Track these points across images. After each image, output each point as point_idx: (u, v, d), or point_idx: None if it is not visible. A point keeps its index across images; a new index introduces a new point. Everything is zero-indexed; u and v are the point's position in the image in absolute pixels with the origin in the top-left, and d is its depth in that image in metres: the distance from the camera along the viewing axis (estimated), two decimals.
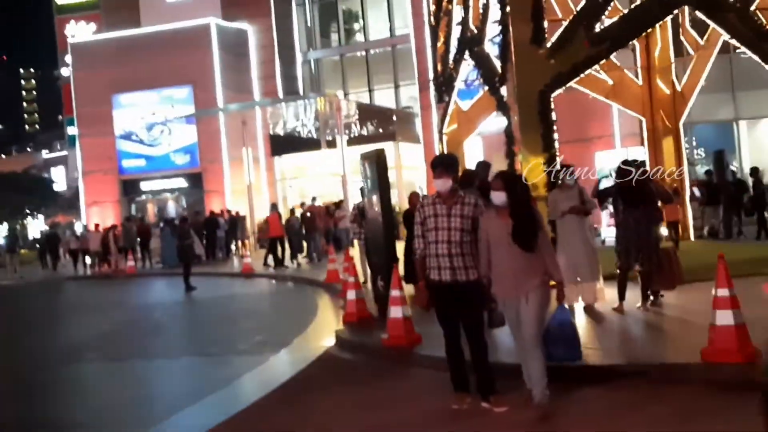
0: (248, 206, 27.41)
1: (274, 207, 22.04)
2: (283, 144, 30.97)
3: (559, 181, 9.29)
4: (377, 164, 9.98)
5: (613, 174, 9.11)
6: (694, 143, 24.05)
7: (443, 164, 5.60)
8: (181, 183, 32.88)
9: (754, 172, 17.08)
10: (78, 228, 32.51)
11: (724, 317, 5.83)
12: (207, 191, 31.93)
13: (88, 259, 27.15)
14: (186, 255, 17.35)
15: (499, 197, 5.35)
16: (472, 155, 21.03)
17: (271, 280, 18.31)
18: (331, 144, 27.05)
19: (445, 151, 16.77)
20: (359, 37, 35.37)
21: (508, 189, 5.33)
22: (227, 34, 32.61)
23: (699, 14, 11.14)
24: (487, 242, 5.40)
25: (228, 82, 32.07)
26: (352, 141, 27.29)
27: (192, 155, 32.23)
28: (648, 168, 12.92)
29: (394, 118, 30.21)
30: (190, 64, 31.36)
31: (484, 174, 9.14)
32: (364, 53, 34.32)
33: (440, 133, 17.04)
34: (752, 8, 10.62)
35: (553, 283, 5.48)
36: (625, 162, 8.87)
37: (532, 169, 10.94)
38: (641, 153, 16.72)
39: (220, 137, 31.41)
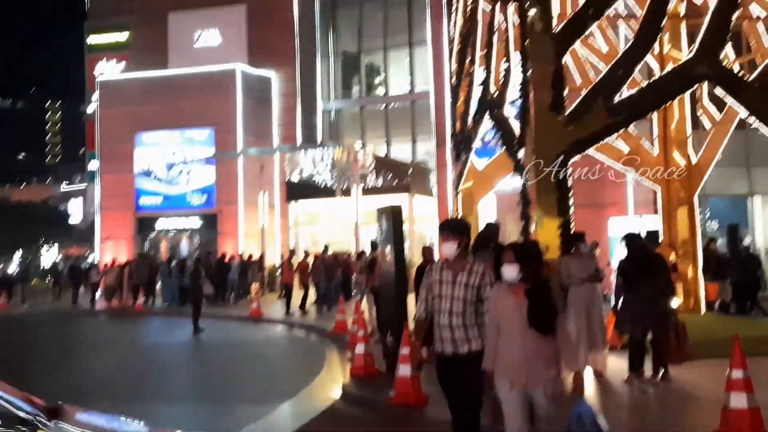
0: (260, 250, 27.58)
1: (326, 248, 22.64)
2: (299, 190, 31.25)
3: (572, 250, 9.34)
4: (393, 219, 10.14)
5: (624, 243, 9.19)
6: (708, 215, 24.08)
7: (451, 228, 5.32)
8: (196, 223, 33.14)
9: None
10: (91, 260, 32.71)
11: (738, 400, 5.75)
12: (221, 233, 32.14)
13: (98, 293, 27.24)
14: (197, 296, 17.43)
15: (510, 272, 4.80)
16: (486, 213, 21.21)
17: (278, 326, 18.30)
18: (346, 193, 27.30)
19: (460, 209, 16.92)
20: (380, 90, 35.99)
21: (521, 262, 4.79)
22: (251, 80, 33.28)
23: (718, 90, 11.33)
24: (497, 323, 4.82)
25: (249, 126, 32.60)
26: (367, 191, 27.52)
27: (209, 196, 32.57)
28: (660, 237, 12.96)
29: (410, 171, 30.49)
30: (213, 107, 31.96)
31: (495, 236, 9.25)
32: (383, 106, 34.86)
33: (456, 190, 17.20)
34: None
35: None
36: (634, 234, 8.98)
37: (546, 233, 11.04)
38: (655, 222, 16.78)
39: (237, 180, 31.77)
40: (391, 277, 9.94)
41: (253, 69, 33.53)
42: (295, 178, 30.62)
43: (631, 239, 8.88)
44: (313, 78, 34.85)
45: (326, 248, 23.76)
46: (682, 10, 15.14)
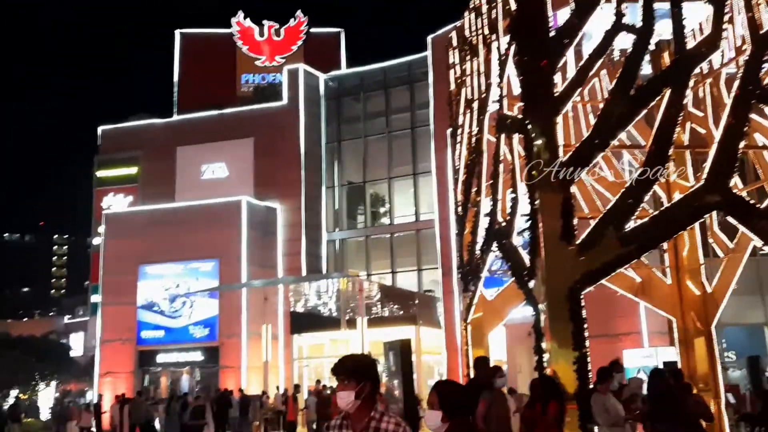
0: (262, 384, 26.67)
1: (318, 382, 21.33)
2: (303, 322, 30.73)
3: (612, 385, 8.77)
4: (402, 353, 9.71)
5: (645, 384, 8.64)
6: (724, 345, 23.37)
7: (346, 370, 4.07)
8: (198, 356, 32.33)
9: None
10: (89, 398, 31.63)
11: None
12: (222, 367, 31.28)
13: None
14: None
15: (432, 419, 3.91)
16: (496, 345, 20.59)
17: None
18: (351, 324, 26.74)
19: (470, 340, 16.35)
20: (384, 220, 36.19)
21: (446, 409, 3.86)
22: (257, 212, 33.55)
23: (729, 219, 11.14)
24: None
25: (253, 257, 32.51)
26: (373, 322, 26.98)
27: (211, 329, 31.96)
28: (681, 371, 12.32)
29: (416, 301, 30.05)
30: (218, 238, 32.02)
31: (483, 373, 8.78)
32: (388, 235, 34.92)
33: (464, 321, 16.72)
34: None
35: None
36: (659, 371, 8.45)
37: (562, 367, 10.51)
38: (672, 354, 16.15)
39: (241, 312, 31.29)
40: (399, 411, 9.40)
41: (258, 201, 33.88)
42: (300, 309, 30.18)
43: (655, 377, 8.32)
44: (318, 208, 35.20)
45: (318, 382, 22.70)
46: (685, 139, 15.27)
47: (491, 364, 13.58)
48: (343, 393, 3.98)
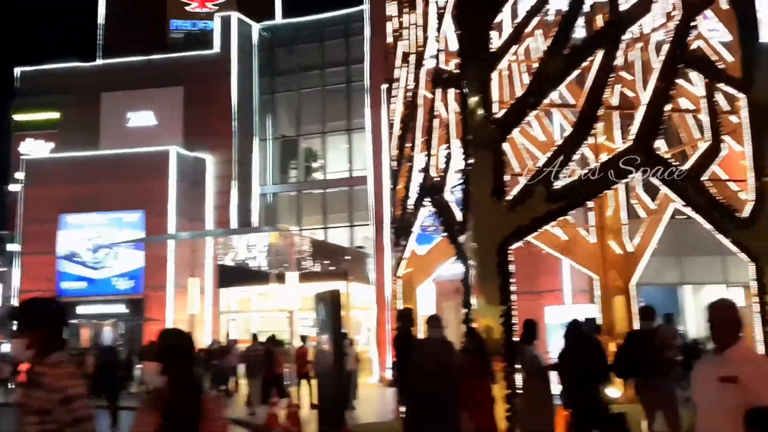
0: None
1: (255, 337, 20.37)
2: (232, 276, 30.41)
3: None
4: (332, 304, 9.71)
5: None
6: (641, 304, 24.31)
7: (16, 318, 3.76)
8: (122, 309, 31.66)
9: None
10: (6, 350, 30.61)
11: None
12: (147, 319, 30.75)
13: None
14: (117, 388, 16.28)
15: (151, 373, 3.72)
16: (424, 300, 20.87)
17: None
18: (281, 279, 26.62)
19: (399, 295, 16.51)
20: (318, 175, 35.95)
21: (164, 361, 3.55)
22: (186, 163, 32.75)
23: (653, 180, 11.49)
24: None
25: (182, 209, 31.83)
26: (303, 277, 26.94)
27: (136, 281, 31.30)
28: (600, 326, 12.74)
29: (347, 257, 30.13)
30: (144, 189, 31.16)
31: (406, 325, 8.93)
32: (321, 191, 34.74)
33: (394, 276, 16.86)
34: (704, 177, 11.02)
35: None
36: (575, 321, 8.70)
37: (489, 321, 10.74)
38: (593, 311, 16.74)
39: (167, 264, 30.70)
40: (329, 363, 9.43)
41: (187, 151, 33.06)
42: (229, 263, 29.85)
43: (572, 327, 8.59)
44: (250, 161, 34.63)
45: (255, 337, 22.43)
46: (614, 101, 15.62)
47: (419, 318, 13.80)
48: (18, 342, 3.73)
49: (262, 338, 19.22)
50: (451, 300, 21.72)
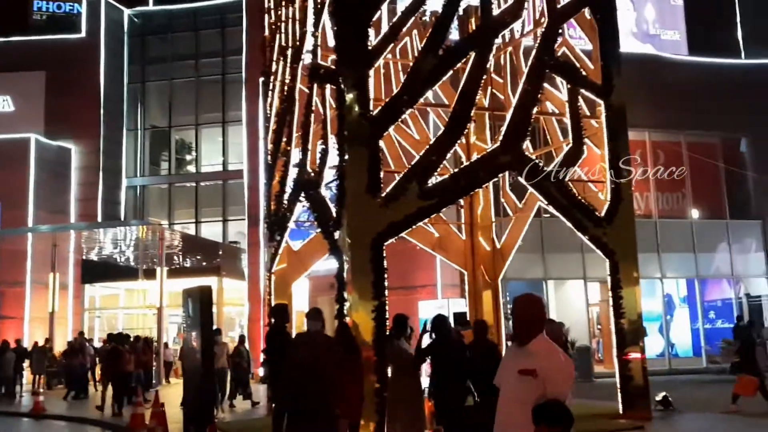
0: (49, 336, 24.93)
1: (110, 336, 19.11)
2: (96, 271, 29.02)
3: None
4: (201, 301, 9.46)
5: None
6: (508, 298, 25.37)
7: None
8: None
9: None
10: None
11: None
12: (2, 317, 28.75)
13: None
14: None
15: None
16: (299, 296, 20.78)
17: (68, 424, 16.26)
18: (150, 274, 25.68)
19: (273, 291, 16.32)
20: (190, 167, 34.91)
21: None
22: (47, 152, 30.83)
23: (521, 180, 12.00)
24: None
25: (42, 201, 29.95)
26: (173, 273, 26.13)
27: None
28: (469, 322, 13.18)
29: (220, 252, 29.47)
30: (1, 179, 29.07)
31: (280, 321, 8.89)
32: (194, 184, 33.77)
33: (269, 271, 16.67)
34: (567, 179, 11.62)
35: None
36: (440, 316, 8.83)
37: (361, 316, 10.83)
38: (462, 305, 17.27)
39: (26, 259, 28.82)
40: (197, 362, 9.19)
41: (49, 140, 31.16)
42: (94, 257, 28.46)
43: (438, 322, 8.71)
44: (118, 152, 33.07)
45: (110, 336, 21.07)
46: (486, 102, 16.17)
47: (294, 314, 13.68)
48: None
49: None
50: (325, 295, 21.76)
